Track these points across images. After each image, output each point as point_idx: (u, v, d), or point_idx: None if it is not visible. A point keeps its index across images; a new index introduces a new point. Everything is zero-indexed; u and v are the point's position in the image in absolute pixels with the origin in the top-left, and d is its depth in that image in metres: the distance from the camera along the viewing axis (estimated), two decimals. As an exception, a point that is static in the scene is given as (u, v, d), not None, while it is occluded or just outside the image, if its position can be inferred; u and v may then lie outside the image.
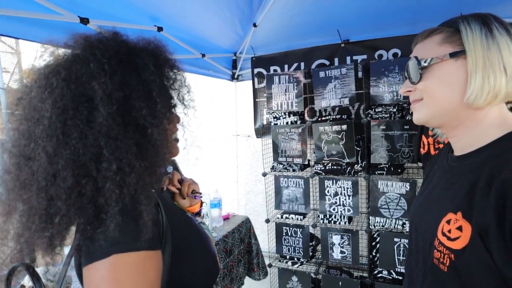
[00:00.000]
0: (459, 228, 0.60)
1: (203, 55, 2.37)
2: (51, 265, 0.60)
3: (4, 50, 2.40)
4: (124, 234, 0.54)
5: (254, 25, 2.27)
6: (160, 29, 1.94)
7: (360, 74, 2.16)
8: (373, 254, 2.13)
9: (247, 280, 2.27)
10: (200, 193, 1.01)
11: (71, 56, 0.60)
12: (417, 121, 0.73)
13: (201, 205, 1.02)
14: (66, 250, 0.60)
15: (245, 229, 2.18)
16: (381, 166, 2.05)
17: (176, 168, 2.04)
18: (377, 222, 2.04)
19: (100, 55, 0.58)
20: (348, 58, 2.28)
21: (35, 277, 0.63)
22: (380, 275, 2.06)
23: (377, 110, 2.03)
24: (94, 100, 0.55)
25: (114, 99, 0.56)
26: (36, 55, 0.63)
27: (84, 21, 1.53)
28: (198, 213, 1.00)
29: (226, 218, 2.17)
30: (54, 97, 0.54)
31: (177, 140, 0.79)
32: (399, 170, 2.00)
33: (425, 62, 0.67)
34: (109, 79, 0.57)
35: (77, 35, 0.62)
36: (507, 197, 0.53)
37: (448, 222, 0.63)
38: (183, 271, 0.67)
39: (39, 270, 0.75)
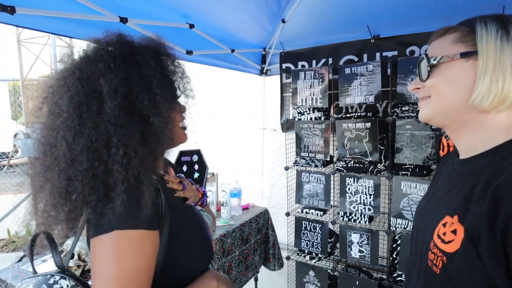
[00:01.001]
0: (454, 232, 0.60)
1: (233, 51, 2.45)
2: (69, 237, 0.71)
3: (59, 45, 2.76)
4: (127, 212, 0.62)
5: (283, 21, 2.30)
6: (191, 26, 2.05)
7: (389, 71, 2.10)
8: (393, 256, 2.08)
9: (266, 271, 2.34)
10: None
11: (84, 58, 0.69)
12: (422, 118, 0.73)
13: (202, 197, 1.03)
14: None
15: (263, 220, 2.24)
16: (405, 166, 1.99)
17: (200, 157, 2.16)
18: (399, 223, 1.99)
19: (107, 55, 0.67)
20: (378, 54, 2.22)
21: (53, 244, 0.73)
22: (399, 278, 2.01)
23: (403, 108, 1.96)
24: (103, 94, 0.64)
25: (119, 92, 0.64)
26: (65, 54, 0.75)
27: (123, 20, 1.69)
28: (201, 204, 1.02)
29: (245, 208, 2.25)
30: (71, 94, 0.64)
31: (184, 128, 0.85)
32: (424, 172, 1.93)
33: (434, 60, 0.66)
34: (114, 75, 0.65)
35: (91, 38, 0.72)
36: (500, 202, 0.52)
37: (444, 225, 0.63)
38: (178, 252, 0.74)
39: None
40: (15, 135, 2.81)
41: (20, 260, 1.53)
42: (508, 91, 0.59)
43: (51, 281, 0.66)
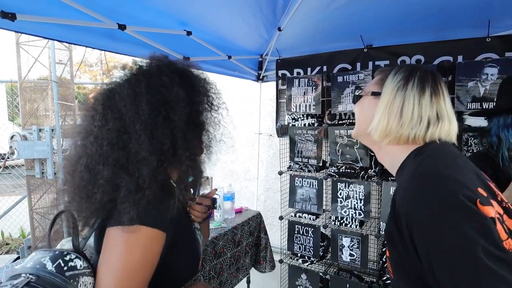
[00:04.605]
0: None
1: (229, 57, 2.50)
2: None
3: (59, 48, 2.82)
4: (151, 210, 0.71)
5: (279, 29, 2.36)
6: (189, 33, 2.09)
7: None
8: (383, 260, 2.13)
9: (259, 274, 2.37)
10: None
11: (145, 71, 0.78)
12: (352, 136, 0.89)
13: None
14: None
15: (255, 223, 2.28)
16: (395, 172, 2.04)
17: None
18: (388, 228, 2.04)
19: (168, 71, 0.78)
20: (371, 63, 2.28)
21: (74, 225, 0.76)
22: (389, 281, 2.05)
23: (394, 116, 2.02)
24: (170, 103, 0.74)
25: (185, 103, 0.76)
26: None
27: (122, 27, 1.73)
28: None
29: (238, 212, 2.29)
30: (144, 102, 0.73)
31: None
32: (413, 178, 1.98)
33: (357, 92, 0.86)
34: (180, 88, 0.76)
35: (140, 59, 0.83)
36: (398, 211, 0.65)
37: None
38: (172, 259, 0.79)
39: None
40: (12, 137, 2.83)
41: (15, 261, 1.56)
42: (391, 129, 0.74)
43: (67, 258, 0.70)
